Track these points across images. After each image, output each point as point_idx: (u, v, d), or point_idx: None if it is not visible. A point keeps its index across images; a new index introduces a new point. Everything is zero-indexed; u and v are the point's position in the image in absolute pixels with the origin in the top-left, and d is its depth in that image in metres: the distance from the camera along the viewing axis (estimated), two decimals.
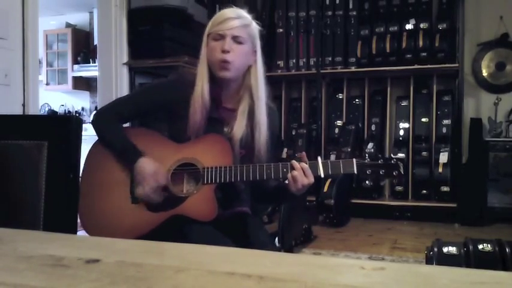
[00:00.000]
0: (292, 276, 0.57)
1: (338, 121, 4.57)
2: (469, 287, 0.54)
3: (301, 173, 1.37)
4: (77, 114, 5.83)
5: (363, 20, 4.48)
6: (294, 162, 1.38)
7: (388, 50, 4.27)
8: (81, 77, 5.78)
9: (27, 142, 1.25)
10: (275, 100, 4.79)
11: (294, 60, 4.64)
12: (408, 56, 4.22)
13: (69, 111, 5.91)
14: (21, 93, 2.60)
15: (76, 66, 5.74)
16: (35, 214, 1.20)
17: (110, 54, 3.52)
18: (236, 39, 1.44)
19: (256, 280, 0.55)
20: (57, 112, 5.88)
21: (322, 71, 4.41)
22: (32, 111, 2.64)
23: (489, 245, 2.08)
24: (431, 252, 2.12)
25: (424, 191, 4.15)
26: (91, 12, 5.79)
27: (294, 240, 3.04)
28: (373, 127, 4.50)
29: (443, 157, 4.07)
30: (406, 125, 4.39)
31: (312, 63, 4.56)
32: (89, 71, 5.60)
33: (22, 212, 1.24)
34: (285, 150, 4.53)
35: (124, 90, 3.53)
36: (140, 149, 1.46)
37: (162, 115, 1.56)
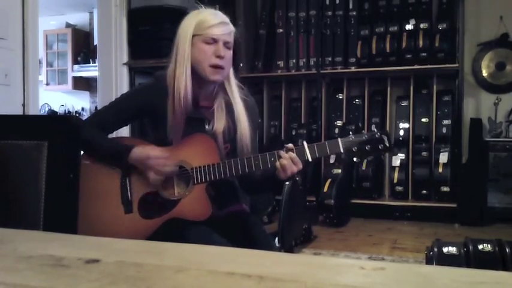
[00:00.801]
0: (292, 276, 0.57)
1: (338, 121, 4.57)
2: (469, 287, 0.54)
3: (289, 162, 1.38)
4: (77, 114, 5.83)
5: (363, 20, 4.48)
6: (282, 152, 1.40)
7: (388, 50, 4.27)
8: (81, 77, 5.78)
9: (27, 142, 1.25)
10: (275, 100, 4.83)
11: (294, 60, 4.64)
12: (408, 56, 4.22)
13: (69, 111, 5.91)
14: (21, 93, 2.60)
15: (76, 66, 5.74)
16: (35, 214, 1.20)
17: (110, 54, 3.52)
18: (226, 45, 1.46)
19: (256, 280, 0.55)
20: (57, 112, 5.88)
21: (322, 71, 4.41)
22: (32, 111, 2.63)
23: (489, 245, 2.08)
24: (431, 252, 2.12)
25: (424, 191, 4.15)
26: (91, 12, 5.79)
27: (294, 240, 3.04)
28: (373, 127, 4.49)
29: (443, 157, 4.07)
30: (406, 125, 4.39)
31: (312, 63, 4.56)
32: (89, 71, 5.60)
33: (22, 212, 1.24)
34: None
35: (124, 90, 3.52)
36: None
37: (146, 121, 1.56)
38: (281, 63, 4.68)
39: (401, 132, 4.41)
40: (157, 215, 1.42)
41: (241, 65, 4.44)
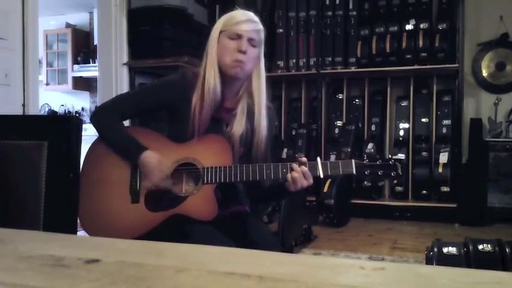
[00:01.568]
0: (292, 276, 0.57)
1: (338, 121, 4.57)
2: (469, 287, 0.54)
3: (301, 176, 1.38)
4: (77, 114, 5.82)
5: (363, 20, 4.48)
6: (294, 165, 1.39)
7: (388, 50, 4.27)
8: (81, 77, 5.78)
9: (27, 142, 1.25)
10: (275, 100, 4.82)
11: (294, 60, 4.64)
12: (408, 56, 4.22)
13: (69, 111, 5.90)
14: (21, 93, 2.60)
15: (76, 66, 5.74)
16: (35, 214, 1.20)
17: (110, 54, 3.52)
18: (251, 42, 1.45)
19: (256, 280, 0.55)
20: (57, 112, 5.88)
21: (322, 71, 4.41)
22: (32, 111, 2.63)
23: (489, 245, 2.08)
24: (431, 253, 2.12)
25: (424, 191, 4.15)
26: (91, 12, 5.79)
27: (294, 240, 3.04)
28: (373, 127, 4.50)
29: (443, 157, 4.07)
30: (406, 125, 4.39)
31: (312, 63, 4.56)
32: (89, 71, 5.59)
33: (22, 212, 1.24)
34: (285, 150, 4.54)
35: (124, 90, 3.52)
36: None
37: (162, 114, 1.56)
38: (281, 63, 4.68)
39: (401, 132, 4.41)
40: (163, 209, 1.42)
41: None
